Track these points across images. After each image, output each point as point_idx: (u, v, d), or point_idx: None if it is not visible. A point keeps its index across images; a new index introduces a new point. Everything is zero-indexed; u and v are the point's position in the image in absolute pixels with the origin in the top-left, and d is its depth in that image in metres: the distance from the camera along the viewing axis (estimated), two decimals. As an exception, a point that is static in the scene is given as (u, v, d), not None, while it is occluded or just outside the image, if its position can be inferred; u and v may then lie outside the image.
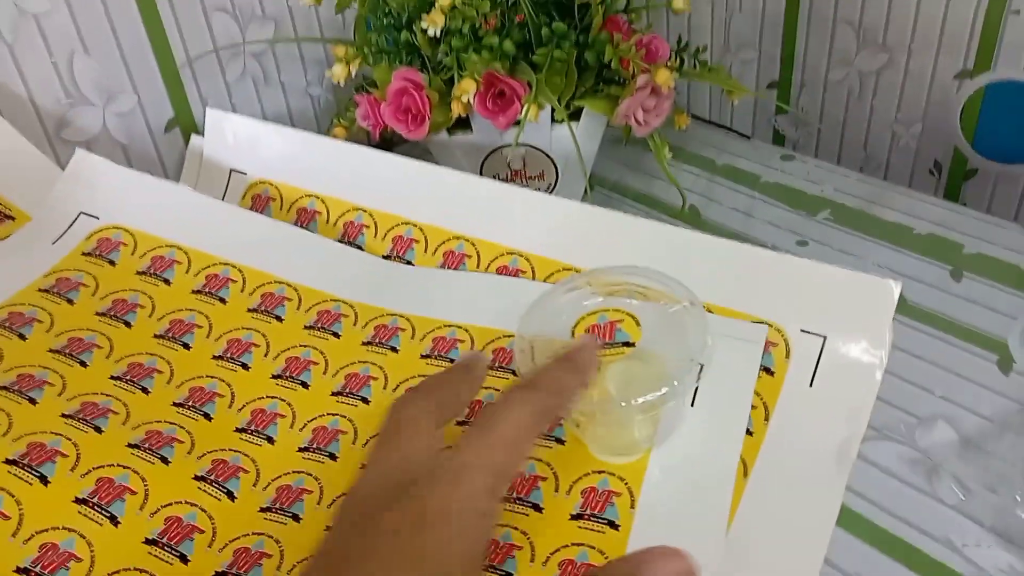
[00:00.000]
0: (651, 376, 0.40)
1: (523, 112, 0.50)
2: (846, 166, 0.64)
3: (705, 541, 0.37)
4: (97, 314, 0.47)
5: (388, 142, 0.64)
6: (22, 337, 0.44)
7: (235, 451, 0.41)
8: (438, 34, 0.51)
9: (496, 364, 0.44)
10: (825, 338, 0.44)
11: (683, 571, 0.28)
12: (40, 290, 0.47)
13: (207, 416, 0.43)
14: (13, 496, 0.37)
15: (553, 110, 0.54)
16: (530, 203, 0.50)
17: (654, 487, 0.38)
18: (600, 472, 0.38)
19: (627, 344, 0.41)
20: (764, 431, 0.42)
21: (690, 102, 0.79)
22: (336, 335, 0.46)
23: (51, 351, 0.44)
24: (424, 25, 0.51)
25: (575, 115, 0.55)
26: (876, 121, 0.69)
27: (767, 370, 0.43)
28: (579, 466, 0.39)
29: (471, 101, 0.51)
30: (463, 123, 0.56)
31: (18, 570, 0.35)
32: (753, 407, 0.41)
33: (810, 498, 0.39)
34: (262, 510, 0.39)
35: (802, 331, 0.44)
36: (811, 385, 0.43)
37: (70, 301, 0.47)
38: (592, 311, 0.42)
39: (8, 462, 0.38)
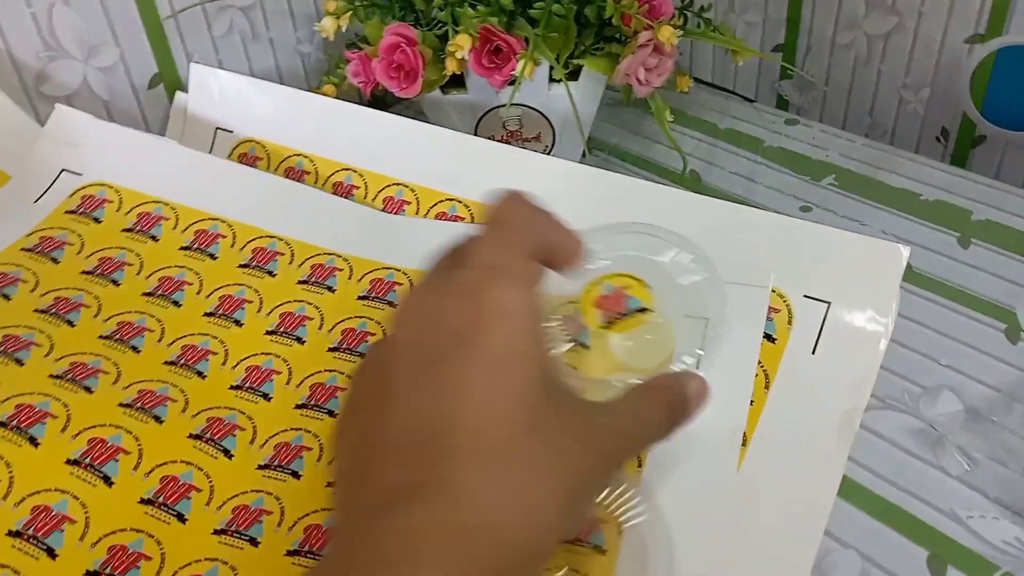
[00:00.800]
0: (660, 347, 0.39)
1: (519, 70, 0.49)
2: (852, 132, 0.63)
3: (712, 513, 0.36)
4: (83, 273, 0.45)
5: (380, 101, 0.62)
6: (6, 297, 0.43)
7: (231, 408, 0.40)
8: (432, -14, 0.49)
9: None
10: (829, 304, 0.42)
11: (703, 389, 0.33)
12: (23, 249, 0.46)
13: (200, 374, 0.41)
14: (3, 459, 0.35)
15: (551, 69, 0.52)
16: (526, 164, 0.49)
17: (659, 454, 0.37)
18: None
19: (642, 310, 0.40)
20: (764, 399, 0.41)
21: (692, 65, 0.77)
22: (331, 290, 0.45)
23: (37, 311, 0.42)
24: (417, -24, 0.49)
25: (573, 75, 0.53)
26: (883, 86, 0.67)
27: (769, 337, 0.42)
28: None
29: (466, 57, 0.49)
30: (457, 81, 0.55)
31: (10, 533, 0.34)
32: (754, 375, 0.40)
33: (811, 468, 0.38)
34: (260, 467, 0.38)
35: (805, 297, 0.43)
36: (814, 353, 0.42)
37: (55, 260, 0.45)
38: (594, 280, 0.40)
39: None
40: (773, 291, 0.42)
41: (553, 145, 0.57)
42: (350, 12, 0.53)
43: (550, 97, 0.54)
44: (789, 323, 0.42)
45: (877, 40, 0.65)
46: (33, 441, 0.36)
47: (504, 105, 0.54)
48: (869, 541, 0.36)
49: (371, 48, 0.53)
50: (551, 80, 0.53)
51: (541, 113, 0.55)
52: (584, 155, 0.58)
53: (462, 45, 0.48)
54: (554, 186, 0.48)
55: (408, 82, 0.51)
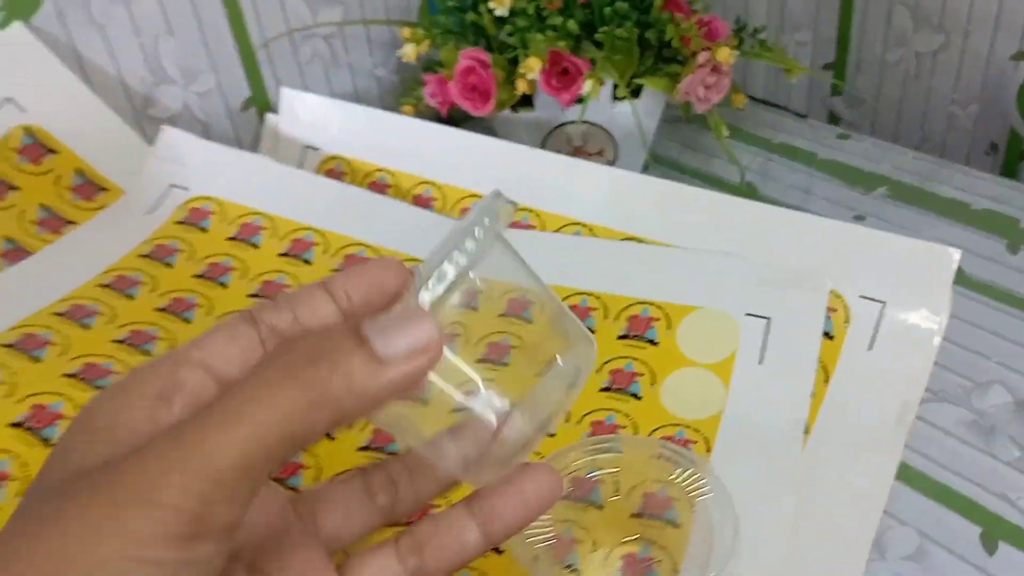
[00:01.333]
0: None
1: (587, 89, 0.52)
2: (903, 146, 0.65)
3: (777, 494, 0.39)
4: (194, 276, 0.50)
5: (454, 120, 0.66)
6: (130, 297, 0.48)
7: None
8: (505, 14, 0.53)
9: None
10: (884, 304, 0.45)
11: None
12: (141, 255, 0.50)
13: None
14: None
15: (614, 87, 0.56)
16: (592, 175, 0.53)
17: (727, 441, 0.40)
18: (676, 424, 0.40)
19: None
20: (824, 392, 0.43)
21: (745, 83, 0.80)
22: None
23: (157, 309, 0.47)
24: (491, 6, 0.53)
25: (635, 93, 0.57)
26: (932, 101, 0.69)
27: (827, 335, 0.44)
28: (656, 419, 0.41)
29: (536, 79, 0.53)
30: (526, 101, 0.59)
31: None
32: (813, 369, 0.43)
33: (870, 454, 0.41)
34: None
35: (861, 297, 0.45)
36: (870, 349, 0.45)
37: (169, 265, 0.50)
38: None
39: None
40: (830, 292, 0.45)
41: (615, 159, 0.60)
42: (428, 39, 0.57)
43: (613, 114, 0.58)
44: (846, 322, 0.45)
45: (925, 57, 0.68)
46: None
47: (571, 122, 0.58)
48: (925, 519, 0.38)
49: (447, 71, 0.57)
50: (614, 98, 0.57)
51: (604, 129, 0.58)
52: (646, 168, 0.61)
53: (533, 67, 0.52)
54: (619, 194, 0.52)
55: (482, 102, 0.55)
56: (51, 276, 0.48)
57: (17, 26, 0.52)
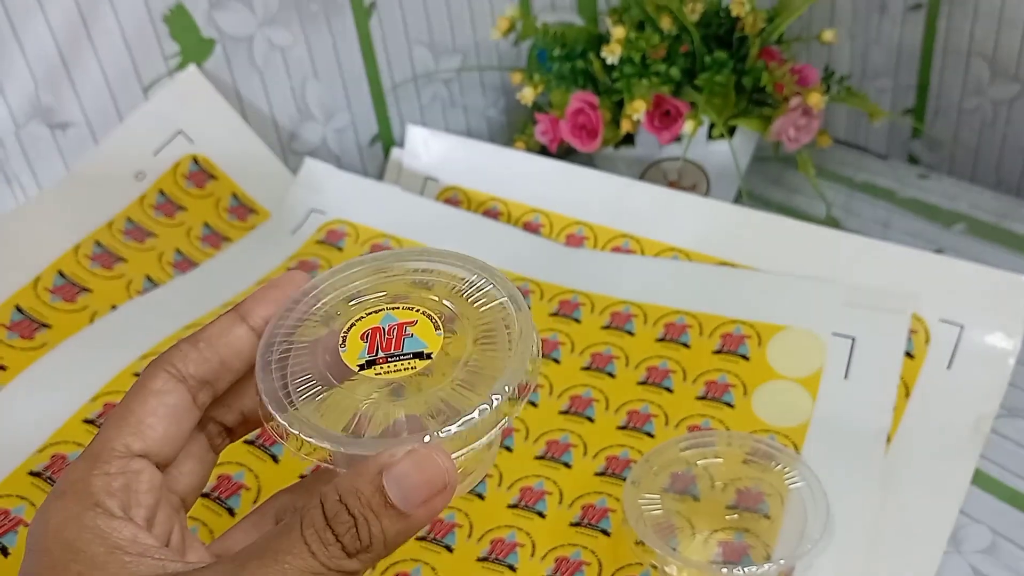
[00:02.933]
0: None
1: (689, 129, 0.58)
2: (980, 186, 0.69)
3: (861, 491, 0.43)
4: None
5: (560, 156, 0.72)
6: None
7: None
8: (615, 62, 0.59)
9: (666, 336, 0.52)
10: (963, 327, 0.49)
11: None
12: (288, 270, 0.58)
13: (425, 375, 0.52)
14: (253, 471, 0.44)
15: (711, 127, 0.61)
16: (689, 205, 0.58)
17: (814, 446, 0.45)
18: (766, 431, 0.45)
19: (421, 356, 0.29)
20: (905, 405, 0.48)
21: (828, 125, 0.85)
22: (527, 308, 0.55)
23: None
24: (603, 55, 0.59)
25: (729, 133, 0.62)
26: (1008, 146, 0.73)
27: (908, 354, 0.49)
28: (748, 425, 0.46)
29: (640, 119, 0.59)
30: (627, 139, 0.65)
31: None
32: (895, 384, 0.47)
33: (947, 461, 0.45)
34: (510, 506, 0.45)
35: (941, 320, 0.50)
36: (949, 368, 0.49)
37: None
38: (370, 307, 0.30)
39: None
40: (912, 315, 0.50)
41: (708, 194, 0.66)
42: (543, 83, 0.64)
43: (707, 152, 0.63)
44: (927, 342, 0.50)
45: (1002, 105, 0.72)
46: (275, 459, 0.45)
47: (668, 159, 0.64)
48: (998, 519, 0.42)
49: (558, 111, 0.63)
50: (709, 137, 0.62)
51: (699, 166, 0.64)
52: (736, 202, 0.67)
53: (638, 109, 0.58)
54: (714, 223, 0.57)
55: (590, 139, 0.61)
56: (214, 284, 0.55)
57: (192, 69, 0.60)
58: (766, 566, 0.37)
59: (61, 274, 0.51)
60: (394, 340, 0.28)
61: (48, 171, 0.56)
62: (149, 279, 0.54)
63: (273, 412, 0.27)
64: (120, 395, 0.44)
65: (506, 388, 0.26)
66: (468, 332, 0.29)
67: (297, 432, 0.26)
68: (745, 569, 0.37)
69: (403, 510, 0.24)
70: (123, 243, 0.54)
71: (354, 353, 0.28)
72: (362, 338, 0.28)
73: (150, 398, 0.27)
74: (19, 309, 0.48)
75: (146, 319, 0.50)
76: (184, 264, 0.56)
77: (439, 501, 0.25)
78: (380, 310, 0.29)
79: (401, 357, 0.28)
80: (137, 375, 0.45)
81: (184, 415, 0.27)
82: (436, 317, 0.29)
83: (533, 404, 0.50)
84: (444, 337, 0.28)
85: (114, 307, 0.51)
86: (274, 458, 0.44)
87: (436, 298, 0.30)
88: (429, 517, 0.25)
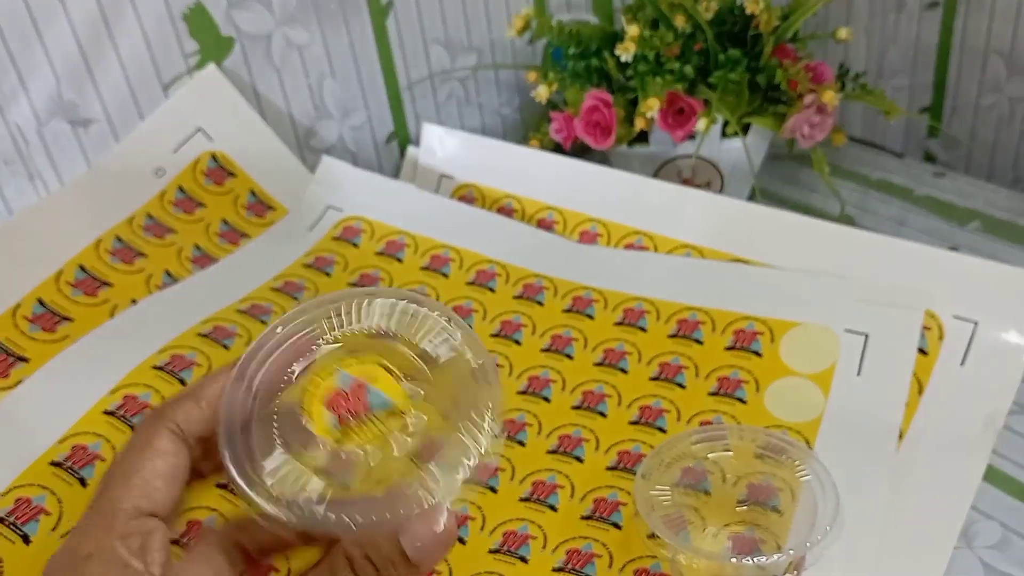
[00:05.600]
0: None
1: (702, 127, 0.58)
2: (996, 184, 0.69)
3: (872, 486, 0.43)
4: (349, 284, 0.57)
5: (575, 153, 0.73)
6: (297, 300, 0.55)
7: None
8: (629, 60, 0.60)
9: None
10: (977, 324, 0.49)
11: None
12: (305, 265, 0.58)
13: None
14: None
15: (724, 125, 0.61)
16: (702, 203, 0.58)
17: (826, 442, 0.45)
18: (778, 426, 0.45)
19: (394, 411, 0.31)
20: (918, 402, 0.48)
21: (843, 123, 0.85)
22: (540, 304, 0.55)
23: None
24: (618, 52, 0.59)
25: (743, 131, 0.62)
26: (1027, 143, 0.73)
27: (921, 351, 0.49)
28: (760, 421, 0.47)
29: (654, 117, 0.59)
30: (641, 137, 0.65)
31: None
32: (908, 380, 0.47)
33: (959, 457, 0.45)
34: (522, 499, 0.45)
35: (955, 317, 0.50)
36: (962, 364, 0.49)
37: (328, 274, 0.58)
38: (323, 369, 0.31)
39: None
40: (925, 312, 0.50)
41: (721, 191, 0.66)
42: (557, 81, 0.64)
43: (721, 150, 0.63)
44: (940, 339, 0.50)
45: (1019, 103, 0.71)
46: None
47: (682, 156, 0.64)
48: (1009, 515, 0.42)
49: (572, 109, 0.64)
50: (723, 135, 0.62)
51: (713, 163, 0.64)
52: (750, 199, 0.67)
53: (652, 106, 0.59)
54: (727, 220, 0.57)
55: (604, 137, 0.62)
56: (233, 280, 0.56)
57: (211, 67, 0.61)
58: (776, 556, 0.37)
59: (82, 268, 0.52)
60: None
61: (70, 167, 0.57)
62: (168, 274, 0.55)
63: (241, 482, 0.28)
64: (139, 388, 0.46)
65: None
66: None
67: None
68: (756, 559, 0.37)
69: (416, 562, 0.29)
70: (143, 238, 0.55)
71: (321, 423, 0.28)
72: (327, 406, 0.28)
73: (156, 458, 0.29)
74: (41, 302, 0.49)
75: (166, 313, 0.51)
76: (203, 260, 0.57)
77: (444, 550, 0.30)
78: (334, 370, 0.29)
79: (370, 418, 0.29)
80: (156, 368, 0.46)
81: (183, 474, 0.30)
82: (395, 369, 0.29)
83: (546, 400, 0.50)
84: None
85: (134, 301, 0.52)
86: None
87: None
88: (435, 563, 0.30)
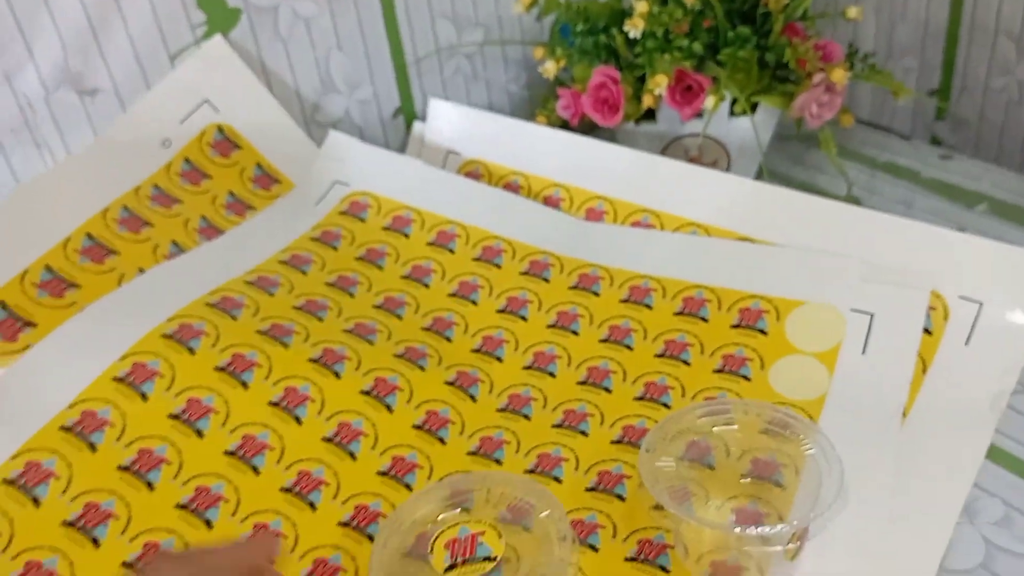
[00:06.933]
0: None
1: (710, 104, 0.58)
2: (1004, 167, 0.69)
3: (876, 462, 0.43)
4: (356, 259, 0.57)
5: (582, 131, 0.72)
6: (303, 273, 0.55)
7: (473, 366, 0.51)
8: (637, 36, 0.59)
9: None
10: (982, 304, 0.49)
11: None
12: (312, 239, 0.59)
13: (447, 339, 0.52)
14: (277, 432, 0.45)
15: (732, 103, 0.61)
16: (709, 181, 0.58)
17: (831, 419, 0.45)
18: (783, 403, 0.46)
19: (488, 559, 0.40)
20: (922, 380, 0.48)
21: (851, 105, 0.84)
22: (546, 280, 0.55)
23: (327, 284, 0.55)
24: (626, 29, 0.59)
25: (751, 109, 0.62)
26: (1035, 126, 0.72)
27: (926, 330, 0.49)
28: (764, 398, 0.47)
29: (662, 94, 0.59)
30: (648, 115, 0.65)
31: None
32: (912, 359, 0.48)
33: (963, 435, 0.45)
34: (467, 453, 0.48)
35: (960, 297, 0.50)
36: (967, 344, 0.49)
37: (335, 248, 0.58)
38: (450, 523, 0.41)
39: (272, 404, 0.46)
40: (931, 292, 0.50)
41: (728, 170, 0.66)
42: (565, 58, 0.64)
43: (728, 128, 0.63)
44: (945, 319, 0.50)
45: (1029, 84, 0.71)
46: (298, 420, 0.46)
47: (689, 135, 0.64)
48: (1011, 493, 0.42)
49: (580, 85, 0.63)
50: (731, 114, 0.62)
51: (720, 142, 0.64)
52: (757, 179, 0.67)
53: (660, 83, 0.58)
54: (734, 199, 0.57)
55: (611, 114, 0.62)
56: (240, 252, 0.56)
57: (218, 38, 0.60)
58: (780, 527, 0.37)
59: (90, 236, 0.52)
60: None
61: (77, 137, 0.57)
62: (175, 244, 0.55)
63: None
64: (147, 355, 0.46)
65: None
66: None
67: None
68: (759, 529, 0.37)
69: None
70: (150, 208, 0.55)
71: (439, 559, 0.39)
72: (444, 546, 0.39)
73: None
74: (49, 269, 0.49)
75: (173, 282, 0.51)
76: (210, 231, 0.57)
77: None
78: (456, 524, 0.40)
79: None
80: (165, 336, 0.46)
81: None
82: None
83: (551, 375, 0.51)
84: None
85: (141, 270, 0.52)
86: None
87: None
88: None
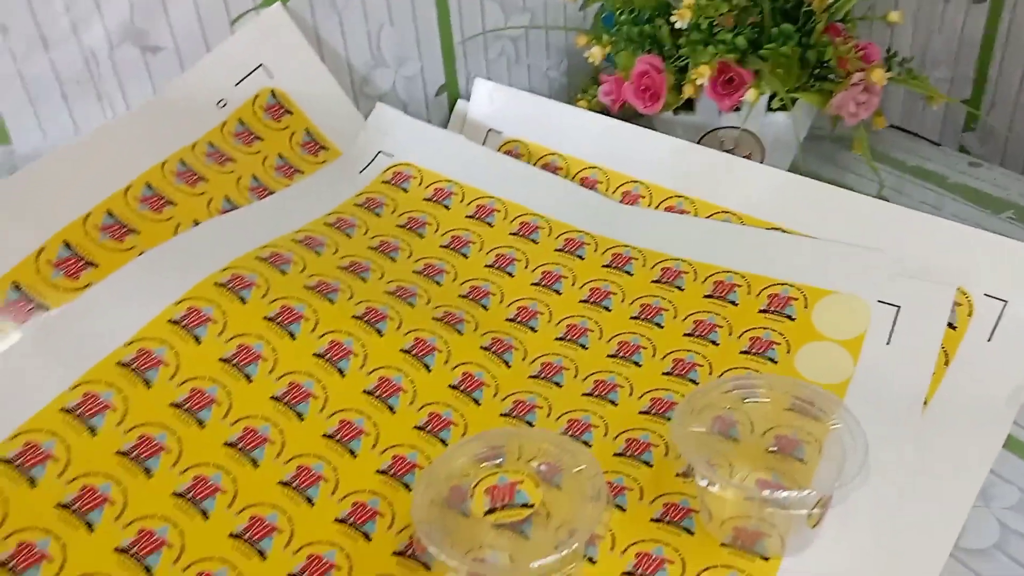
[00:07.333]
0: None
1: (751, 97, 0.60)
2: (1031, 179, 0.70)
3: (896, 443, 0.45)
4: (398, 226, 0.59)
5: (622, 117, 0.74)
6: (348, 236, 0.57)
7: (506, 333, 0.53)
8: (684, 27, 0.61)
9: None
10: (1006, 303, 0.51)
11: None
12: (356, 204, 0.60)
13: (484, 307, 0.54)
14: (321, 382, 0.47)
15: (770, 98, 0.63)
16: (746, 170, 0.60)
17: (853, 403, 0.47)
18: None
19: (526, 506, 0.42)
20: (944, 372, 0.50)
21: (883, 110, 0.86)
22: (581, 258, 0.57)
23: (370, 248, 0.57)
24: (674, 19, 0.61)
25: (791, 103, 0.64)
26: (1063, 141, 0.74)
27: (951, 325, 0.50)
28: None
29: (704, 84, 0.61)
30: (687, 106, 0.66)
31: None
32: (936, 351, 0.49)
33: (981, 425, 0.47)
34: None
35: (985, 295, 0.51)
36: (989, 340, 0.50)
37: (377, 215, 0.60)
38: (491, 471, 0.43)
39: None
40: (957, 288, 0.51)
41: (762, 164, 0.67)
42: (610, 44, 0.66)
43: (765, 123, 0.65)
44: (969, 315, 0.51)
45: (1061, 99, 0.73)
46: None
47: (726, 127, 0.65)
48: (1027, 481, 0.44)
49: (623, 72, 0.65)
50: (768, 108, 0.64)
51: (755, 136, 0.66)
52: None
53: (703, 74, 0.60)
54: (769, 189, 0.59)
55: (652, 102, 0.63)
56: (289, 212, 0.58)
57: (276, 6, 0.62)
58: (805, 491, 0.39)
59: (149, 186, 0.54)
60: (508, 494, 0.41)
61: (137, 92, 0.59)
62: (228, 200, 0.57)
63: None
64: (202, 302, 0.48)
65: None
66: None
67: None
68: (784, 494, 0.39)
69: None
70: (205, 164, 0.57)
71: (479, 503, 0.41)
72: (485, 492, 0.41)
73: None
74: (110, 214, 0.51)
75: (226, 236, 0.53)
76: (260, 190, 0.59)
77: None
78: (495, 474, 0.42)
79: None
80: (218, 284, 0.48)
81: None
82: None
83: (583, 347, 0.52)
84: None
85: (196, 222, 0.54)
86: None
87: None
88: None
